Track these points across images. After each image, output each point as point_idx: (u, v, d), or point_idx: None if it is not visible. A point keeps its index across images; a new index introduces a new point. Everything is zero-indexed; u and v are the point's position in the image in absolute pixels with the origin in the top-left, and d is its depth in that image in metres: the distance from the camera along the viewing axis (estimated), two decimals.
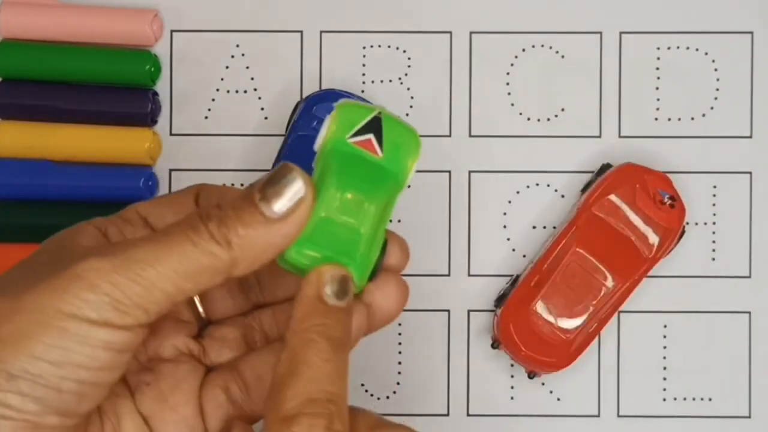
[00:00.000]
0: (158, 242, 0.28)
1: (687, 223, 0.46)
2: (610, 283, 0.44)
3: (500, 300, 0.46)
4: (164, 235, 0.28)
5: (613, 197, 0.45)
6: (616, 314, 0.46)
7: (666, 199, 0.44)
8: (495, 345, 0.46)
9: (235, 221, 0.28)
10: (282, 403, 0.27)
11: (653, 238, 0.44)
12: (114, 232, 0.31)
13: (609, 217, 0.45)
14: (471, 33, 0.48)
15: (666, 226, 0.45)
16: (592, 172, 0.47)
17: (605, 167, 0.46)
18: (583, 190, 0.46)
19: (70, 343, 0.26)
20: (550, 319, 0.44)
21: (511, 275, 0.47)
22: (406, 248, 0.33)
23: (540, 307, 0.45)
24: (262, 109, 0.48)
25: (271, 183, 0.28)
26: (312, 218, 0.30)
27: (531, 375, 0.46)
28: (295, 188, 0.28)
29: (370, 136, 0.33)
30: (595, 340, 0.46)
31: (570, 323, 0.44)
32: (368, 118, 0.33)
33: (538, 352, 0.45)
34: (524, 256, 0.47)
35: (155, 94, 0.47)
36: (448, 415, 0.47)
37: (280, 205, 0.28)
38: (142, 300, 0.27)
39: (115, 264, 0.27)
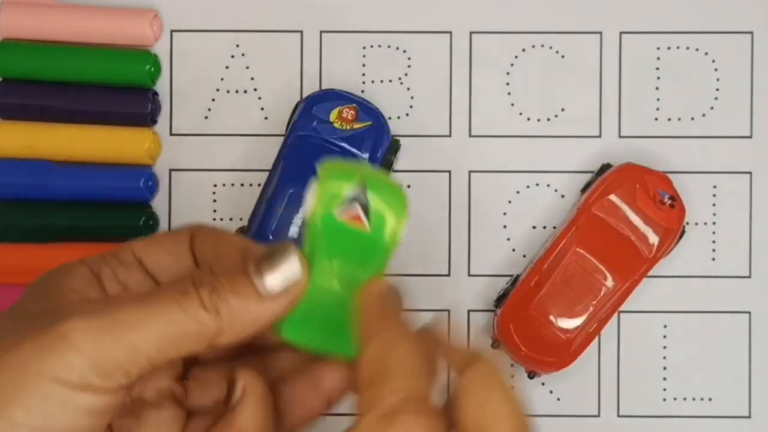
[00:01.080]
0: (146, 304, 0.27)
1: (687, 223, 0.46)
2: (610, 283, 0.44)
3: (500, 300, 0.46)
4: (153, 297, 0.28)
5: (613, 197, 0.45)
6: (616, 314, 0.46)
7: (666, 199, 0.44)
8: (495, 345, 0.46)
9: (227, 291, 0.28)
10: (379, 400, 0.26)
11: (653, 238, 0.44)
12: (108, 275, 0.30)
13: (609, 217, 0.45)
14: (471, 33, 0.48)
15: (666, 226, 0.45)
16: (592, 172, 0.47)
17: (605, 167, 0.46)
18: (583, 190, 0.46)
19: (51, 410, 0.26)
20: (550, 319, 0.44)
21: (511, 275, 0.47)
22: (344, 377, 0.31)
23: (540, 307, 0.45)
24: (262, 109, 0.48)
25: (269, 259, 0.28)
26: (306, 299, 0.30)
27: (531, 375, 0.46)
28: (292, 268, 0.28)
29: (357, 210, 0.32)
30: (595, 340, 0.46)
31: (570, 323, 0.44)
32: (353, 187, 0.32)
33: (538, 352, 0.45)
34: (524, 256, 0.47)
35: (155, 94, 0.47)
36: None
37: (275, 283, 0.28)
38: (125, 363, 0.27)
39: (101, 325, 0.26)
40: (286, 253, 0.29)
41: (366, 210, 0.32)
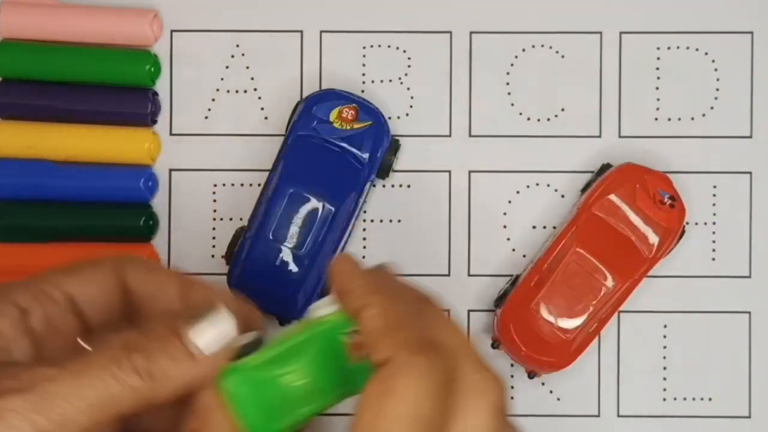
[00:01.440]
0: (78, 376, 0.27)
1: (687, 223, 0.46)
2: (610, 282, 0.44)
3: (500, 300, 0.46)
4: (85, 366, 0.28)
5: (613, 197, 0.45)
6: (616, 314, 0.46)
7: (666, 199, 0.44)
8: (495, 345, 0.46)
9: (160, 355, 0.28)
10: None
11: (653, 238, 0.44)
12: (37, 316, 0.30)
13: (609, 217, 0.45)
14: (471, 33, 0.48)
15: (666, 225, 0.45)
16: (592, 172, 0.47)
17: (605, 167, 0.46)
18: (583, 190, 0.46)
19: None
20: (550, 319, 0.44)
21: (511, 275, 0.47)
22: None
23: (540, 307, 0.44)
24: (262, 109, 0.48)
25: (201, 320, 0.29)
26: (265, 371, 0.31)
27: (531, 375, 0.46)
28: (224, 327, 0.29)
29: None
30: (595, 339, 0.46)
31: (570, 323, 0.44)
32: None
33: (538, 352, 0.45)
34: (524, 256, 0.47)
35: (155, 94, 0.47)
36: None
37: (208, 343, 0.29)
38: None
39: (35, 402, 0.27)
40: (217, 313, 0.29)
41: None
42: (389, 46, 0.48)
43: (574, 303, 0.45)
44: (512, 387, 0.47)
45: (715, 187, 0.47)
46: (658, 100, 0.48)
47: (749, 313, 0.47)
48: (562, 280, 0.44)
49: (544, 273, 0.45)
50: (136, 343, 0.28)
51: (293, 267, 0.45)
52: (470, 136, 0.48)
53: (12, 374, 0.28)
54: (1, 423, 0.27)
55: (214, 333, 0.29)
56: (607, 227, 0.45)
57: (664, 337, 0.47)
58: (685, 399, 0.47)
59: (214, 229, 0.48)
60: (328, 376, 0.32)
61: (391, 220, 0.48)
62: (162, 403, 0.29)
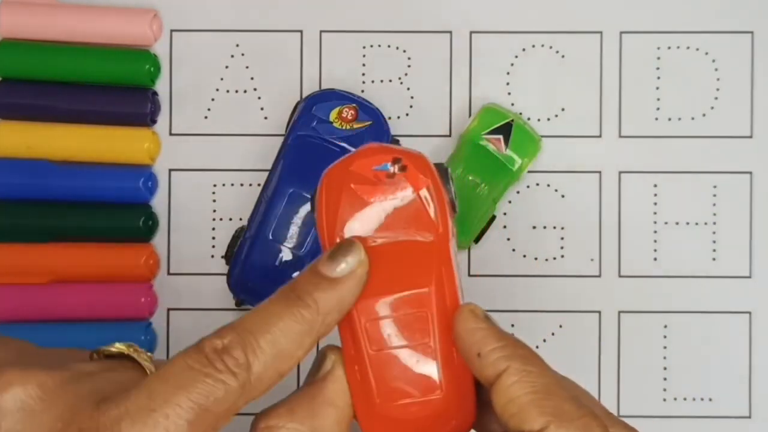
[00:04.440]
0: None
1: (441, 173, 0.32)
2: (405, 305, 0.31)
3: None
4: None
5: (346, 226, 0.31)
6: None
7: (392, 170, 0.31)
8: None
9: (312, 287, 0.29)
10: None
11: (408, 220, 0.31)
12: None
13: (369, 242, 0.31)
14: (471, 33, 0.48)
15: (413, 190, 0.31)
16: (592, 172, 0.47)
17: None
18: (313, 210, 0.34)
19: None
20: (408, 399, 0.31)
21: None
22: None
23: (386, 396, 0.31)
24: (262, 109, 0.48)
25: (335, 251, 0.30)
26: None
27: None
28: (356, 254, 0.30)
29: (500, 137, 0.45)
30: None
31: (429, 378, 0.31)
32: (503, 122, 0.46)
33: None
34: (524, 256, 0.47)
35: (155, 94, 0.47)
36: None
37: (343, 267, 0.30)
38: None
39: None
40: (350, 245, 0.30)
41: (507, 140, 0.45)
42: (389, 46, 0.48)
43: (413, 357, 0.31)
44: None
45: (715, 187, 0.47)
46: (658, 100, 0.48)
47: (749, 313, 0.47)
48: (374, 349, 0.31)
49: (355, 358, 0.31)
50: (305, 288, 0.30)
51: (293, 267, 0.45)
52: None
53: None
54: None
55: (348, 260, 0.30)
56: (377, 252, 0.31)
57: (664, 337, 0.47)
58: (685, 399, 0.47)
59: (214, 229, 0.48)
60: (485, 168, 0.45)
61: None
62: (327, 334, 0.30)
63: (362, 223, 0.31)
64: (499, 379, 0.29)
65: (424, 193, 0.31)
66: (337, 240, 0.31)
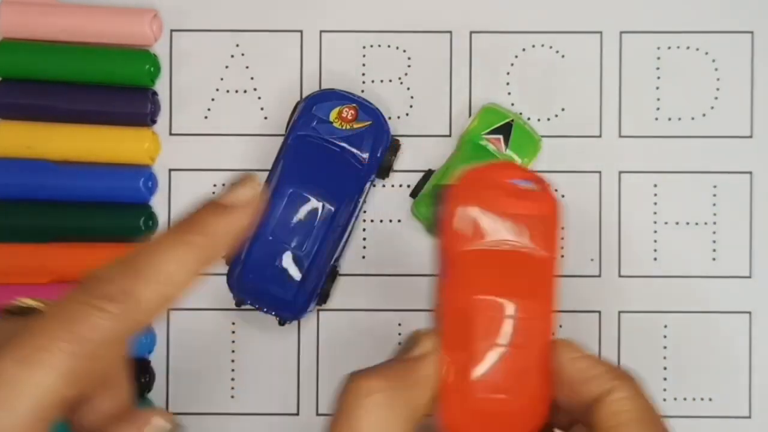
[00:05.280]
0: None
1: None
2: (527, 311, 0.33)
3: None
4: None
5: (462, 221, 0.33)
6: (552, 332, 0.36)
7: (523, 186, 0.34)
8: None
9: (205, 217, 0.31)
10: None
11: (535, 234, 0.34)
12: None
13: (477, 245, 0.34)
14: (471, 33, 0.48)
15: (539, 214, 0.34)
16: (592, 172, 0.47)
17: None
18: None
19: None
20: (499, 393, 0.33)
21: None
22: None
23: (481, 389, 0.33)
24: (262, 109, 0.48)
25: (232, 184, 0.31)
26: (441, 188, 0.34)
27: None
28: (252, 185, 0.32)
29: (500, 137, 0.45)
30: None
31: (516, 380, 0.33)
32: (503, 122, 0.46)
33: None
34: None
35: (155, 93, 0.47)
36: None
37: (239, 197, 0.32)
38: None
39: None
40: (247, 177, 0.32)
41: (507, 140, 0.45)
42: (389, 46, 0.48)
43: (508, 359, 0.33)
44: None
45: (715, 187, 0.47)
46: (658, 100, 0.48)
47: (749, 313, 0.47)
48: (486, 343, 0.33)
49: (460, 346, 0.33)
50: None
51: (293, 267, 0.45)
52: None
53: None
54: None
55: (245, 190, 0.32)
56: (485, 255, 0.34)
57: (664, 337, 0.47)
58: (685, 399, 0.47)
59: None
60: None
61: (391, 220, 0.48)
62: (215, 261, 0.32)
63: (490, 223, 0.34)
64: (609, 395, 0.31)
65: (549, 214, 0.34)
66: (455, 228, 0.33)
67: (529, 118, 0.48)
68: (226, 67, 0.48)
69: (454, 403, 0.33)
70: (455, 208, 0.34)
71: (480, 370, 0.33)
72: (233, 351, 0.47)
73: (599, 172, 0.48)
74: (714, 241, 0.47)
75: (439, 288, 0.34)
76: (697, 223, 0.47)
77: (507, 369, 0.33)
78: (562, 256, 0.40)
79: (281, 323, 0.46)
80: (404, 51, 0.48)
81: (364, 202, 0.47)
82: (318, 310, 0.47)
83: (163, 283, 0.29)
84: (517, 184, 0.35)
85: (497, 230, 0.34)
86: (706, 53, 0.48)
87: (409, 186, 0.47)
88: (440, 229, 0.34)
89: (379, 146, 0.45)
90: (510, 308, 0.33)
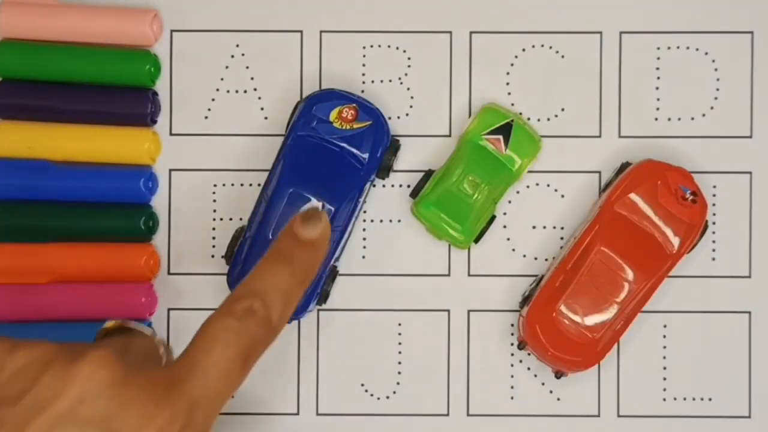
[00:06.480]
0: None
1: (707, 220, 0.45)
2: (634, 280, 0.45)
3: (525, 301, 0.46)
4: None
5: (634, 195, 0.45)
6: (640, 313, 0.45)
7: (688, 195, 0.45)
8: (521, 346, 0.46)
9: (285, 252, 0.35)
10: None
11: (676, 234, 0.45)
12: None
13: (631, 215, 0.45)
14: (471, 33, 0.48)
15: (688, 221, 0.45)
16: (592, 172, 0.47)
17: (625, 166, 0.46)
18: (604, 190, 0.46)
19: None
20: (576, 318, 0.45)
21: (535, 276, 0.47)
22: None
23: (565, 307, 0.45)
24: (262, 109, 0.48)
25: (305, 219, 0.35)
26: (441, 187, 0.45)
27: (558, 375, 0.46)
28: (323, 222, 0.35)
29: (500, 137, 0.46)
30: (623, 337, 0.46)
31: (596, 322, 0.45)
32: (503, 123, 0.46)
33: (565, 352, 0.45)
34: (524, 256, 0.47)
35: (155, 94, 0.47)
36: (448, 415, 0.47)
37: (312, 232, 0.35)
38: None
39: None
40: (317, 215, 0.35)
41: (507, 140, 0.46)
42: (389, 46, 0.48)
43: (600, 302, 0.45)
44: (512, 387, 0.47)
45: (715, 187, 0.47)
46: (658, 100, 0.48)
47: (749, 313, 0.47)
48: (587, 279, 0.45)
49: (569, 273, 0.45)
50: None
51: None
52: None
53: None
54: None
55: (316, 226, 0.35)
56: (630, 225, 0.45)
57: (664, 337, 0.47)
58: (685, 399, 0.47)
59: (214, 229, 0.48)
60: (485, 168, 0.45)
61: (391, 220, 0.48)
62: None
63: (643, 206, 0.45)
64: None
65: (694, 224, 0.45)
66: (626, 195, 0.45)
67: (529, 118, 0.48)
68: (226, 67, 0.48)
69: (538, 312, 0.45)
70: (637, 185, 0.44)
71: (570, 296, 0.44)
72: None
73: (599, 172, 0.48)
74: (713, 241, 0.47)
75: (580, 233, 0.45)
76: None
77: (591, 306, 0.44)
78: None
79: None
80: (404, 51, 0.48)
81: (364, 202, 0.47)
82: (318, 310, 0.47)
83: (288, 308, 0.34)
84: (684, 191, 0.44)
85: (650, 216, 0.45)
86: (706, 53, 0.48)
87: (409, 186, 0.47)
88: (614, 190, 0.45)
89: (379, 146, 0.45)
90: (623, 269, 0.44)
